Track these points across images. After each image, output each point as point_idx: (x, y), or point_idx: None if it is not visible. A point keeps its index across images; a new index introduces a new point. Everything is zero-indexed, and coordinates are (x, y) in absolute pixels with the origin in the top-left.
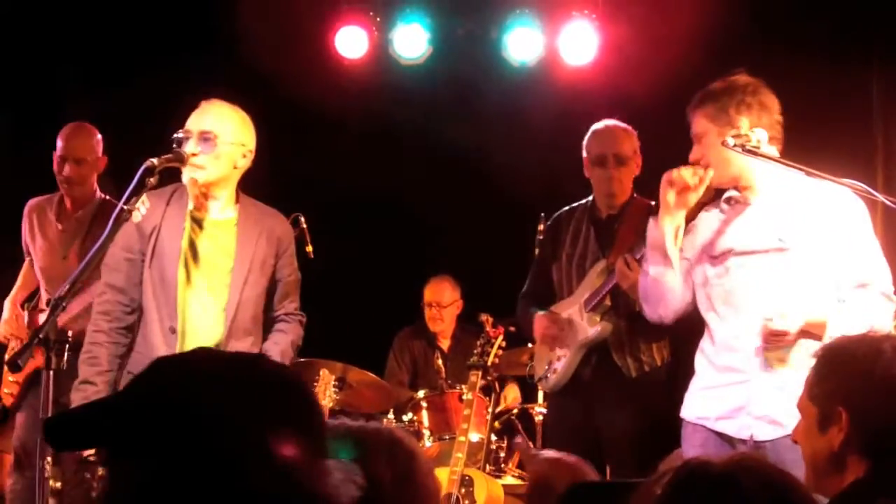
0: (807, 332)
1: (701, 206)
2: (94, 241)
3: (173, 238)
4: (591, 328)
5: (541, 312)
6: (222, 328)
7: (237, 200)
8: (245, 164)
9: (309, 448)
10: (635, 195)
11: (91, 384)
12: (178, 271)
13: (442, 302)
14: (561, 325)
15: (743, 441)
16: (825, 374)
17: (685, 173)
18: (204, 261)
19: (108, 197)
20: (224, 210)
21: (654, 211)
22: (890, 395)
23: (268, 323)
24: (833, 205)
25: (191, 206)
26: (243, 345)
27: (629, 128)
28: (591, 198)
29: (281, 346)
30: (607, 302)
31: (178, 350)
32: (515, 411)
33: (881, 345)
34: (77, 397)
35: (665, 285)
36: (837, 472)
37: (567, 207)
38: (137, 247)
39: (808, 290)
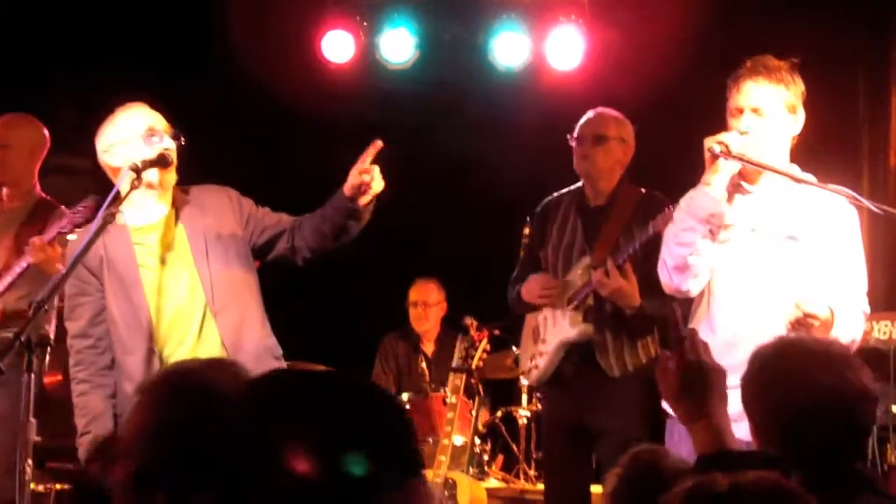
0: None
1: None
2: (26, 237)
3: (127, 263)
4: (572, 328)
5: (532, 276)
6: (209, 313)
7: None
8: None
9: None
10: (626, 182)
11: (88, 433)
12: (144, 293)
13: (428, 301)
14: (554, 286)
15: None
16: (742, 386)
17: (716, 148)
18: (164, 266)
19: (48, 197)
20: (160, 208)
21: (646, 199)
22: (781, 411)
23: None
24: (835, 209)
25: (132, 219)
26: (233, 315)
27: (621, 117)
28: (580, 184)
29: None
30: (590, 301)
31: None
32: (499, 414)
33: (784, 361)
34: (82, 450)
35: (707, 261)
36: None
37: (556, 193)
38: (90, 287)
39: (813, 285)
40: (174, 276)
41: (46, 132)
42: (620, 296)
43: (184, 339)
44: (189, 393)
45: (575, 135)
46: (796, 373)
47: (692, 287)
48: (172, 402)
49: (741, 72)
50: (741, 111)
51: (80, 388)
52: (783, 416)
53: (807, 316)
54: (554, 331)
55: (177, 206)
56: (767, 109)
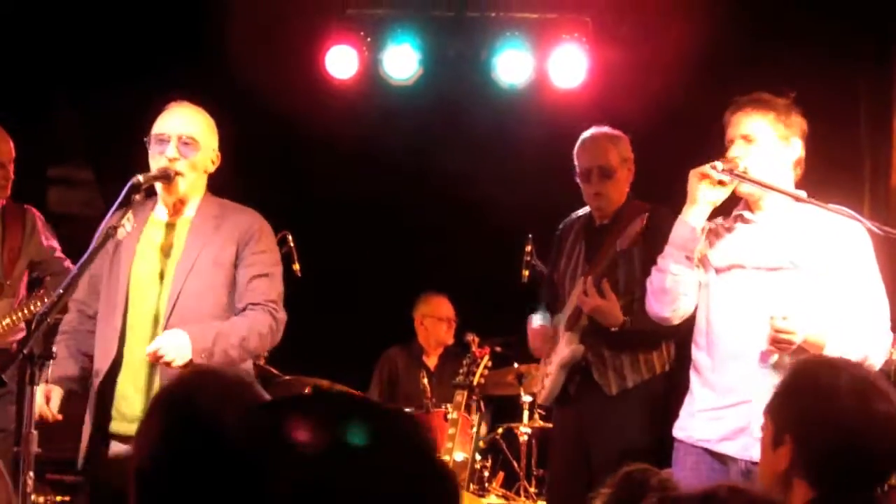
0: (804, 350)
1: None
2: (11, 242)
3: (130, 243)
4: (566, 349)
5: (533, 325)
6: (162, 320)
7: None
8: (213, 168)
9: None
10: (633, 199)
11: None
12: (130, 273)
13: (451, 316)
14: (546, 337)
15: (735, 460)
16: (784, 395)
17: (719, 165)
18: (156, 259)
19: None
20: (188, 211)
21: (655, 217)
22: (833, 430)
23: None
24: (840, 232)
25: (157, 212)
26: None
27: (617, 134)
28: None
29: (224, 326)
30: (584, 321)
31: (119, 349)
32: (500, 431)
33: (838, 379)
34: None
35: (684, 286)
36: (784, 490)
37: (573, 214)
38: (99, 261)
39: (813, 311)
40: (157, 280)
41: None
42: (599, 314)
43: (144, 341)
44: (179, 405)
45: (577, 168)
46: (833, 398)
47: (670, 314)
48: (165, 414)
49: (734, 106)
50: (733, 141)
51: (58, 338)
52: (813, 440)
53: (778, 332)
54: (557, 352)
55: (198, 214)
56: (757, 136)
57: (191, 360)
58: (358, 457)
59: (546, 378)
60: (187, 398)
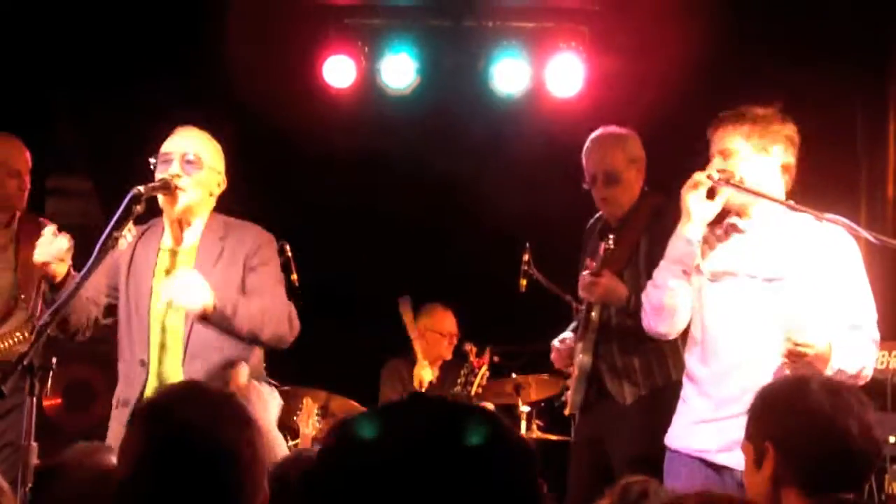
0: (811, 363)
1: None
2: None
3: (145, 273)
4: (576, 360)
5: (554, 343)
6: (181, 352)
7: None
8: (219, 192)
9: None
10: (647, 194)
11: None
12: (150, 306)
13: (454, 331)
14: (565, 354)
15: (731, 471)
16: (756, 414)
17: (715, 175)
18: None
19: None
20: (194, 236)
21: (660, 208)
22: (811, 426)
23: None
24: (830, 242)
25: (164, 238)
26: (206, 364)
27: (624, 134)
28: None
29: (244, 298)
30: (592, 332)
31: (147, 383)
32: None
33: (808, 383)
34: None
35: (682, 300)
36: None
37: (596, 215)
38: (105, 281)
39: (819, 323)
40: (172, 309)
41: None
42: (609, 296)
43: (166, 369)
44: (162, 420)
45: (586, 172)
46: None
47: (667, 330)
48: (149, 426)
49: (714, 123)
50: (713, 157)
51: None
52: (794, 439)
53: (797, 346)
54: (575, 362)
55: (203, 239)
56: (733, 151)
57: (214, 307)
58: (363, 447)
59: (568, 389)
60: (170, 410)
